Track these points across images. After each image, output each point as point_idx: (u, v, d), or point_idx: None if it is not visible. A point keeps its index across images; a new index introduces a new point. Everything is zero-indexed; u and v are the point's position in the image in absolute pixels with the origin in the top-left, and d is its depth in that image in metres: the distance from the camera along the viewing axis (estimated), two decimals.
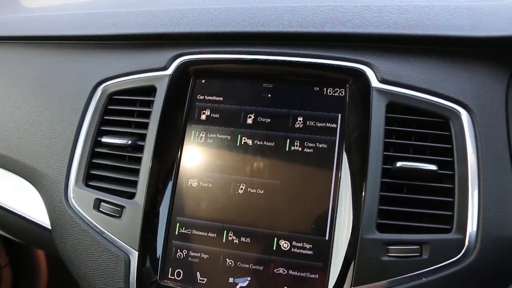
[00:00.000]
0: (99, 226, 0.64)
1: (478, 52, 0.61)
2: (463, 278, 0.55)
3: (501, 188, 0.56)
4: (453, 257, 0.55)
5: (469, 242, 0.55)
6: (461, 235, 0.55)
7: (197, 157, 0.63)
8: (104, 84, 0.70)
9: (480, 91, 0.59)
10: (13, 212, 0.76)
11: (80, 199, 0.66)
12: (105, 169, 0.67)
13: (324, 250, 0.58)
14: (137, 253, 0.61)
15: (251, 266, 0.59)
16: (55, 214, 0.68)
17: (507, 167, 0.57)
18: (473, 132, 0.58)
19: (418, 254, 0.55)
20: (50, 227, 0.71)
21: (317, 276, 0.57)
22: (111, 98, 0.70)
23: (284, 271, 0.58)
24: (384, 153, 0.58)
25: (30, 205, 0.75)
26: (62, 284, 1.46)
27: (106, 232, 0.63)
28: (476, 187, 0.56)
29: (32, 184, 0.73)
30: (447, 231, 0.56)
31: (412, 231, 0.56)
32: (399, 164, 0.57)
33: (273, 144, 0.61)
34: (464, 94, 0.59)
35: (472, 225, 0.55)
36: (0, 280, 1.36)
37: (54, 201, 0.68)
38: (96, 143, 0.68)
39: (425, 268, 0.55)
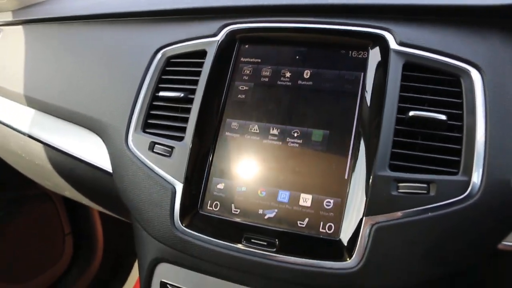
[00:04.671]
0: (152, 164, 0.75)
1: (492, 21, 0.68)
2: (466, 217, 0.61)
3: (507, 138, 0.62)
4: (458, 196, 0.61)
5: (473, 183, 0.61)
6: (467, 177, 0.61)
7: (238, 108, 0.74)
8: (163, 50, 0.83)
9: (491, 53, 0.66)
10: (83, 160, 0.89)
11: (138, 143, 0.78)
12: (160, 119, 0.79)
13: (342, 187, 0.66)
14: (182, 185, 0.72)
15: (279, 199, 0.68)
16: (116, 157, 0.80)
17: None
18: (483, 89, 0.64)
19: (425, 191, 0.61)
20: (111, 171, 0.83)
21: (335, 208, 0.65)
22: (169, 61, 0.82)
23: (306, 204, 0.67)
24: (399, 104, 0.65)
25: (96, 154, 0.88)
26: (115, 256, 1.60)
27: (158, 169, 0.74)
28: (483, 136, 0.62)
29: (98, 135, 0.86)
30: (454, 174, 0.62)
31: (421, 172, 0.63)
32: (411, 113, 0.64)
33: (306, 95, 0.71)
34: (476, 55, 0.66)
35: (477, 169, 0.61)
36: (63, 246, 1.51)
37: (116, 146, 0.81)
38: (154, 97, 0.80)
39: (431, 204, 0.61)
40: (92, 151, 0.89)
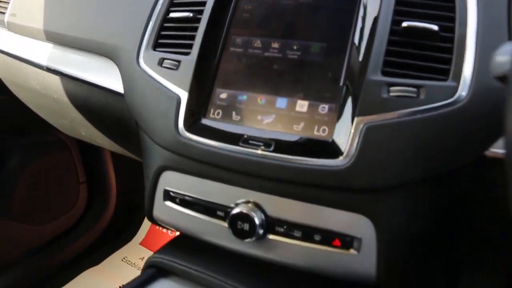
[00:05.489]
0: (160, 77, 0.80)
1: None
2: (453, 120, 0.64)
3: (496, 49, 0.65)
4: (446, 100, 0.64)
5: (462, 88, 0.64)
6: (456, 83, 0.64)
7: (242, 25, 0.78)
8: None
9: None
10: (96, 84, 0.94)
11: (148, 60, 0.83)
12: (170, 38, 0.83)
13: (337, 93, 0.69)
14: (187, 95, 0.76)
15: (277, 106, 0.72)
16: (128, 75, 0.85)
17: (503, 33, 0.66)
18: (476, 4, 0.67)
19: (415, 95, 0.64)
20: (122, 92, 0.88)
21: (329, 113, 0.69)
22: None
23: (303, 110, 0.71)
24: (394, 17, 0.69)
25: (108, 79, 0.93)
26: (128, 206, 1.66)
27: (165, 81, 0.79)
28: (473, 47, 0.65)
29: (112, 59, 0.91)
30: (444, 80, 0.65)
31: (412, 78, 0.66)
32: (405, 24, 0.67)
33: (306, 12, 0.75)
34: None
35: (466, 76, 0.64)
36: (78, 194, 1.58)
37: (128, 65, 0.85)
38: (165, 20, 0.85)
39: (420, 106, 0.64)
40: (105, 76, 0.94)
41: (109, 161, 1.64)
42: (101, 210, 1.67)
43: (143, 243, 1.79)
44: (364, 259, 0.69)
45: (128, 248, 1.76)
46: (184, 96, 0.76)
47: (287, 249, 0.73)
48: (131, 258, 1.71)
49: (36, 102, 1.30)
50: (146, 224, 1.83)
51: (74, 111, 1.11)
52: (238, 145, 0.71)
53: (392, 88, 0.66)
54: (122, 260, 1.70)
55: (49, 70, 1.07)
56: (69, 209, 1.60)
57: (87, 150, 1.61)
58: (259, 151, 0.70)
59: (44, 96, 1.17)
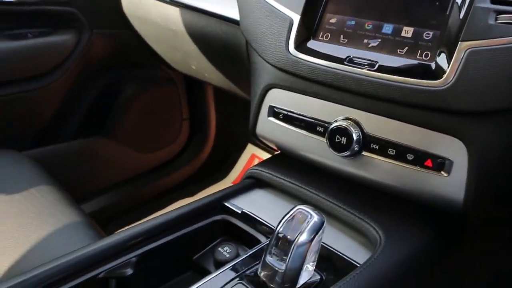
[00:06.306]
0: (275, 1, 0.86)
1: None
2: None
3: None
4: None
5: None
6: None
7: None
8: None
9: None
10: (214, 13, 1.04)
11: None
12: None
13: (443, 21, 0.71)
14: (299, 17, 0.82)
15: (383, 31, 0.77)
16: (244, 1, 0.93)
17: None
18: None
19: None
20: (238, 19, 0.96)
21: (433, 39, 0.72)
22: None
23: (407, 35, 0.74)
24: None
25: (225, 8, 1.02)
26: (224, 148, 1.77)
27: (280, 5, 0.85)
28: None
29: None
30: None
31: None
32: None
33: None
34: None
35: None
36: (180, 130, 1.71)
37: None
38: None
39: None
40: (222, 6, 1.04)
41: (211, 102, 1.76)
42: (199, 148, 1.80)
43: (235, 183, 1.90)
44: (453, 183, 0.72)
45: (220, 185, 1.88)
46: (296, 19, 0.83)
47: (379, 167, 0.78)
48: None
49: (155, 35, 1.43)
50: (239, 165, 1.94)
51: (188, 43, 1.21)
52: (343, 63, 0.77)
53: (500, 16, 0.67)
54: None
55: (172, 1, 1.17)
56: (170, 142, 1.75)
57: (193, 89, 1.74)
58: (363, 70, 0.75)
59: (163, 28, 1.28)
